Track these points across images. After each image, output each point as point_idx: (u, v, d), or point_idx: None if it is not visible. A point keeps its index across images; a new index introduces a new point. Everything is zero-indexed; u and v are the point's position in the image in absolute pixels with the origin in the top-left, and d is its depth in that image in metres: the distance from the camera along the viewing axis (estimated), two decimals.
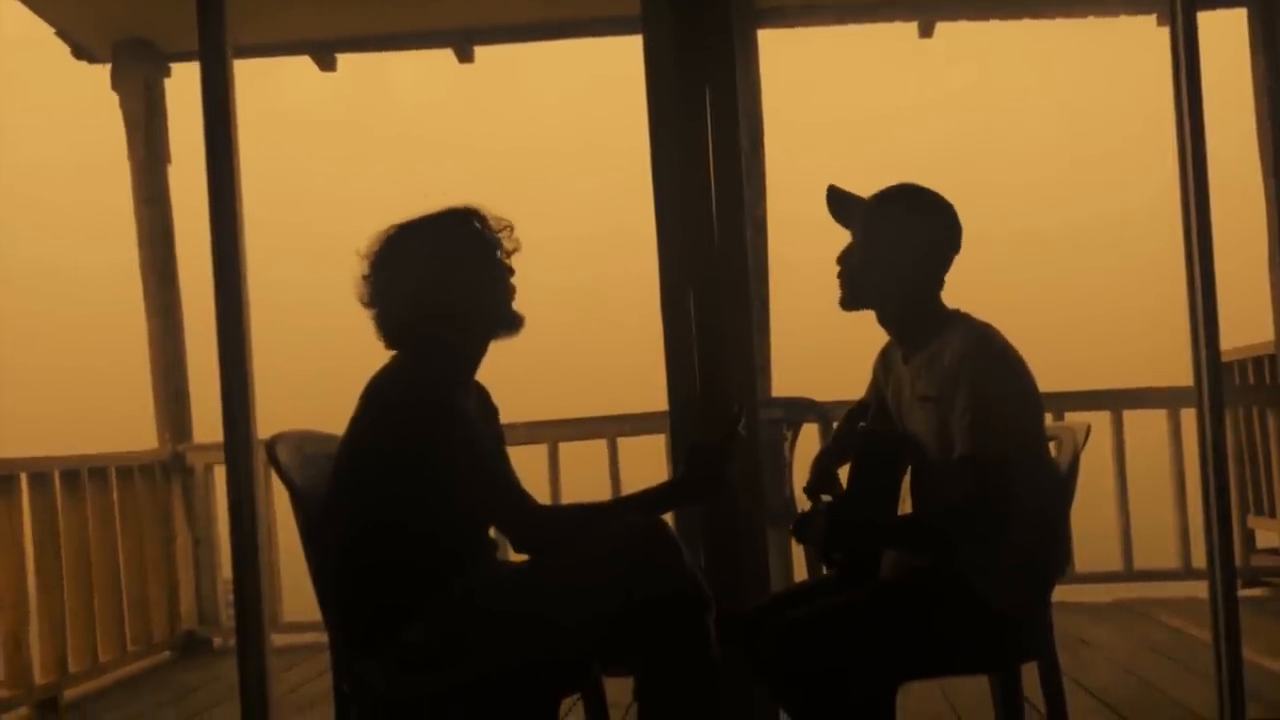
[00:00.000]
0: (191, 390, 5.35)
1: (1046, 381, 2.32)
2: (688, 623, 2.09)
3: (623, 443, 5.09)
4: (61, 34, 5.23)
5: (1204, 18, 2.56)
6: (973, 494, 2.15)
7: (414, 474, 2.12)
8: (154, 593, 4.98)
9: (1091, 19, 5.38)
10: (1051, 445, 2.41)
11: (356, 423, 2.20)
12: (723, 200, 2.62)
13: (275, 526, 4.59)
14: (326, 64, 5.49)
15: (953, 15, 5.34)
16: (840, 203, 2.40)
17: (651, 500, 2.25)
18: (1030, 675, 2.37)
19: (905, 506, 2.34)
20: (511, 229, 2.31)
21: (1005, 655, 2.32)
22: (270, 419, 2.40)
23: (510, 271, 2.31)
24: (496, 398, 2.43)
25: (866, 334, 2.43)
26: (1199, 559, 4.14)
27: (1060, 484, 2.36)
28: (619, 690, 2.38)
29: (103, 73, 5.33)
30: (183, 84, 5.35)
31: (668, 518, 2.33)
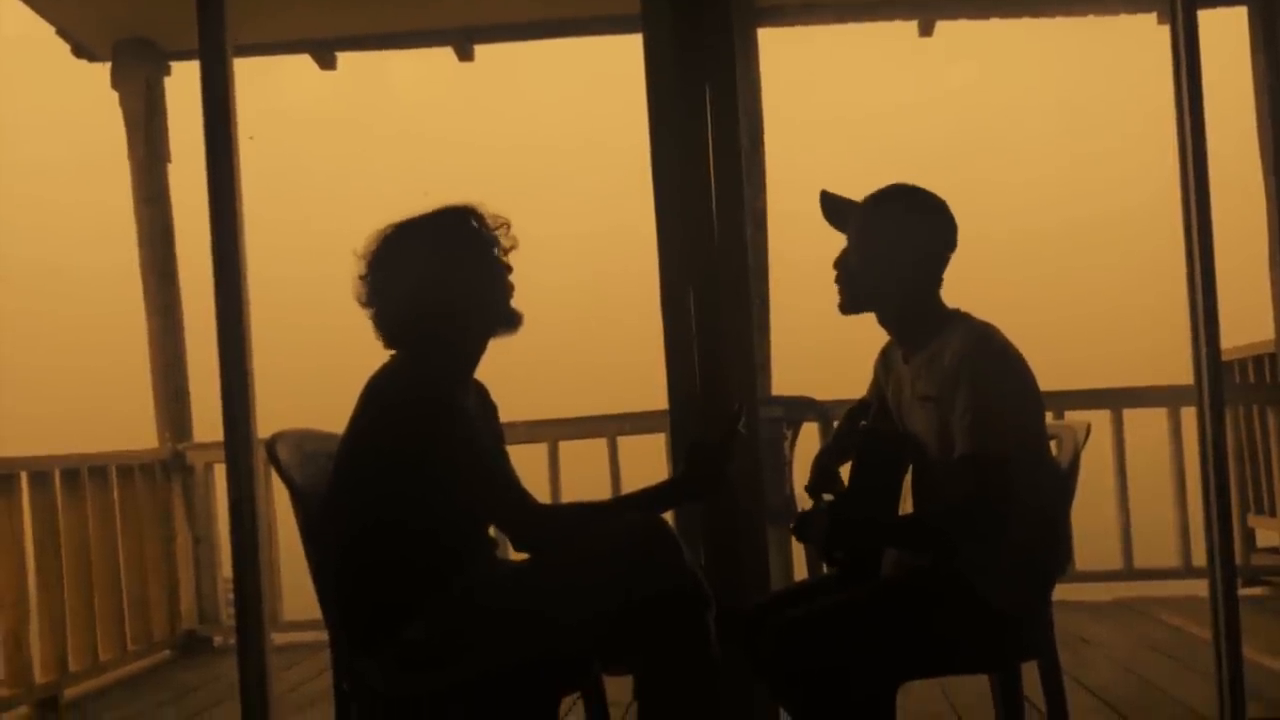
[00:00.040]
0: (192, 389, 5.35)
1: (1046, 380, 2.32)
2: (688, 621, 2.09)
3: (623, 442, 5.09)
4: (62, 33, 5.23)
5: (1204, 16, 2.56)
6: (973, 493, 2.15)
7: (414, 472, 2.12)
8: (154, 592, 4.98)
9: (1091, 17, 5.38)
10: (1052, 444, 2.41)
11: (356, 421, 2.20)
12: (723, 198, 2.62)
13: (275, 525, 4.59)
14: (327, 63, 5.49)
15: (953, 14, 5.34)
16: (834, 207, 2.40)
17: (651, 499, 2.25)
18: (1030, 674, 2.37)
19: (906, 506, 2.34)
20: (508, 226, 2.31)
21: (1005, 654, 2.32)
22: (270, 418, 2.40)
23: (508, 269, 2.31)
24: (496, 396, 2.43)
25: (867, 333, 2.43)
26: (1199, 558, 4.14)
27: (1061, 483, 2.36)
28: (619, 689, 2.39)
29: (103, 71, 5.33)
30: (183, 83, 5.35)
31: (668, 516, 2.33)
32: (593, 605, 2.09)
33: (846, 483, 2.40)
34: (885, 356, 2.49)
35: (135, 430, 5.40)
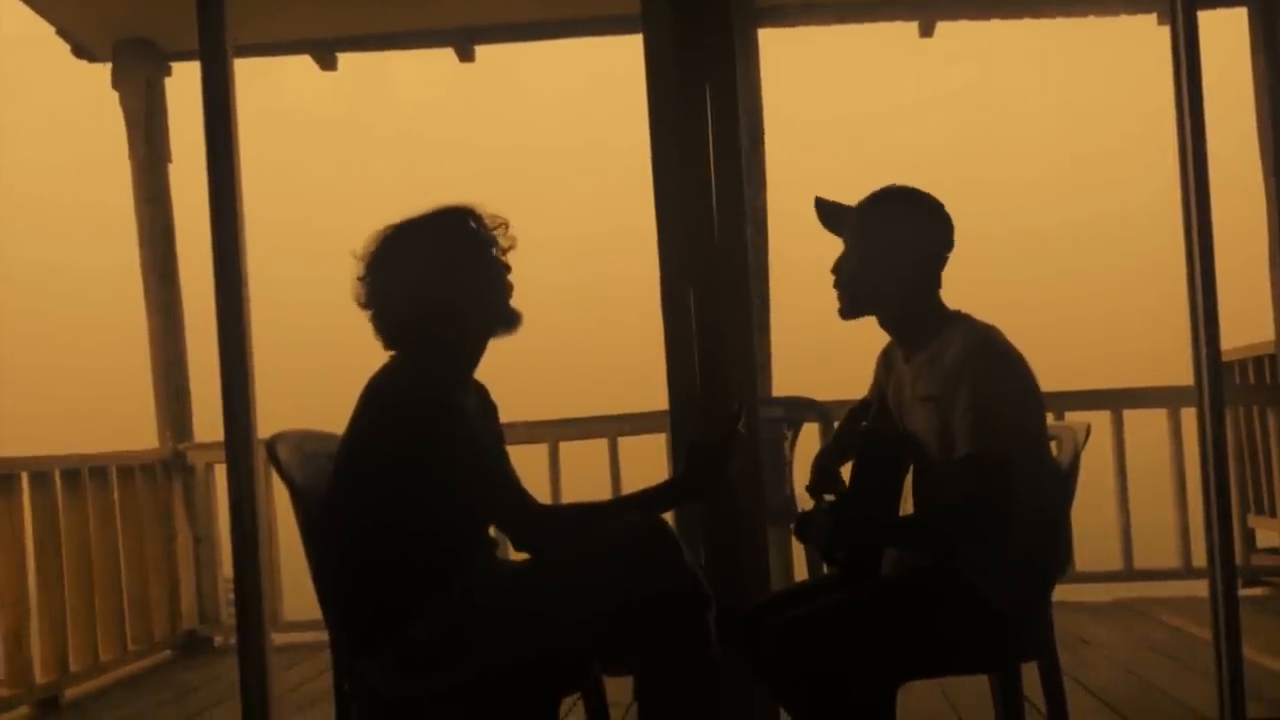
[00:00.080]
0: (192, 389, 5.35)
1: (1046, 381, 2.32)
2: (688, 621, 2.09)
3: (623, 442, 5.09)
4: (62, 33, 5.23)
5: (1204, 17, 2.56)
6: (974, 494, 2.15)
7: (414, 473, 2.12)
8: (155, 592, 4.99)
9: (1092, 18, 5.38)
10: (1052, 445, 2.41)
11: (356, 422, 2.20)
12: (723, 198, 2.62)
13: (276, 525, 4.59)
14: (327, 63, 5.49)
15: (953, 15, 5.34)
16: (829, 212, 2.40)
17: (652, 499, 2.26)
18: (1030, 674, 2.37)
19: (906, 506, 2.34)
20: (507, 226, 2.31)
21: (1006, 654, 2.32)
22: (270, 418, 2.40)
23: (507, 268, 2.30)
24: (496, 397, 2.43)
25: (867, 334, 2.43)
26: (1199, 558, 4.14)
27: (1061, 483, 2.36)
28: (619, 689, 2.39)
29: (103, 72, 5.33)
30: (183, 83, 5.36)
31: (668, 516, 2.33)
32: (593, 605, 2.09)
33: (847, 483, 2.40)
34: (886, 357, 2.49)
35: (136, 430, 5.41)
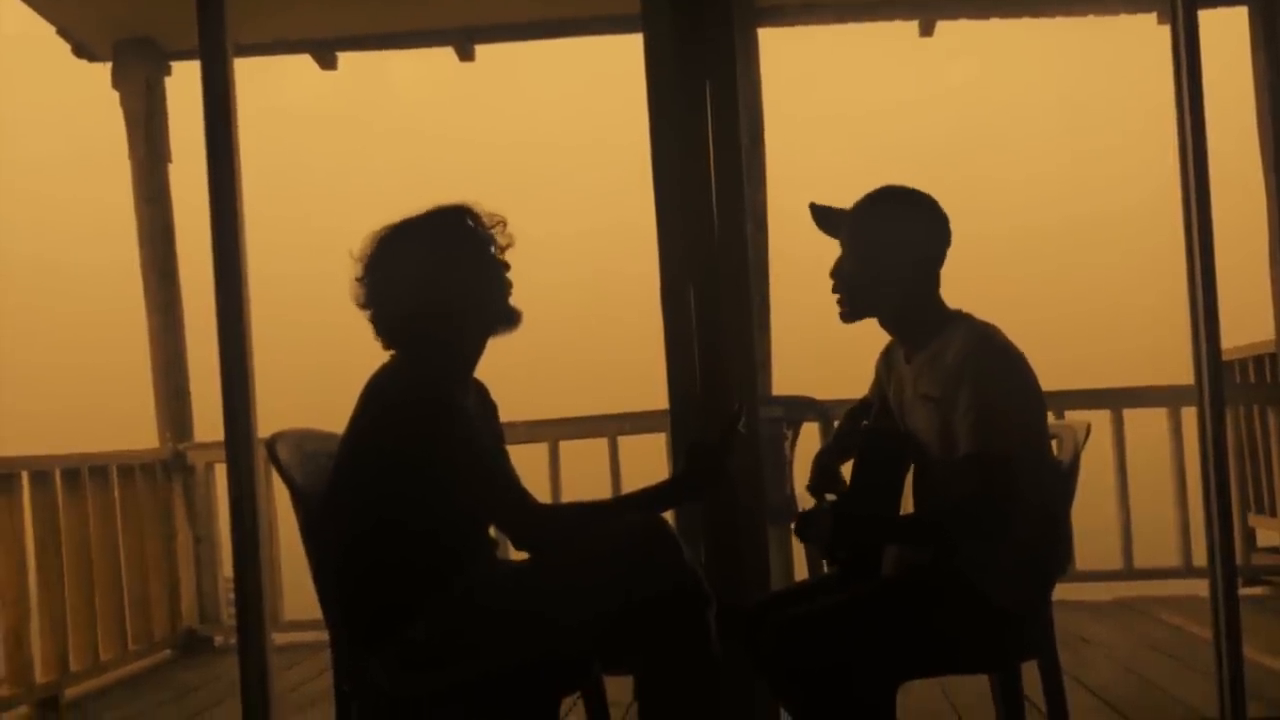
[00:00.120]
0: (192, 388, 5.35)
1: (1047, 380, 2.32)
2: (688, 620, 2.09)
3: (623, 441, 5.08)
4: (62, 32, 5.23)
5: (1204, 15, 2.56)
6: (977, 493, 2.15)
7: (414, 472, 2.12)
8: (155, 591, 4.99)
9: (1092, 17, 5.38)
10: (1052, 444, 2.41)
11: (356, 421, 2.20)
12: (723, 195, 2.62)
13: (276, 525, 4.58)
14: (327, 62, 5.49)
15: (953, 14, 5.33)
16: (824, 217, 2.40)
17: (652, 498, 2.25)
18: (1031, 673, 2.37)
19: (907, 505, 2.34)
20: (504, 224, 2.30)
21: (1006, 653, 2.32)
22: (271, 417, 2.40)
23: (505, 267, 2.30)
24: (496, 396, 2.43)
25: (867, 333, 2.43)
26: (1199, 557, 4.14)
27: (1062, 482, 2.36)
28: (620, 689, 2.39)
29: (103, 71, 5.33)
30: (183, 82, 5.35)
31: (668, 515, 2.33)
32: (593, 605, 2.09)
33: (847, 482, 2.40)
34: (887, 356, 2.49)
35: (136, 429, 5.41)
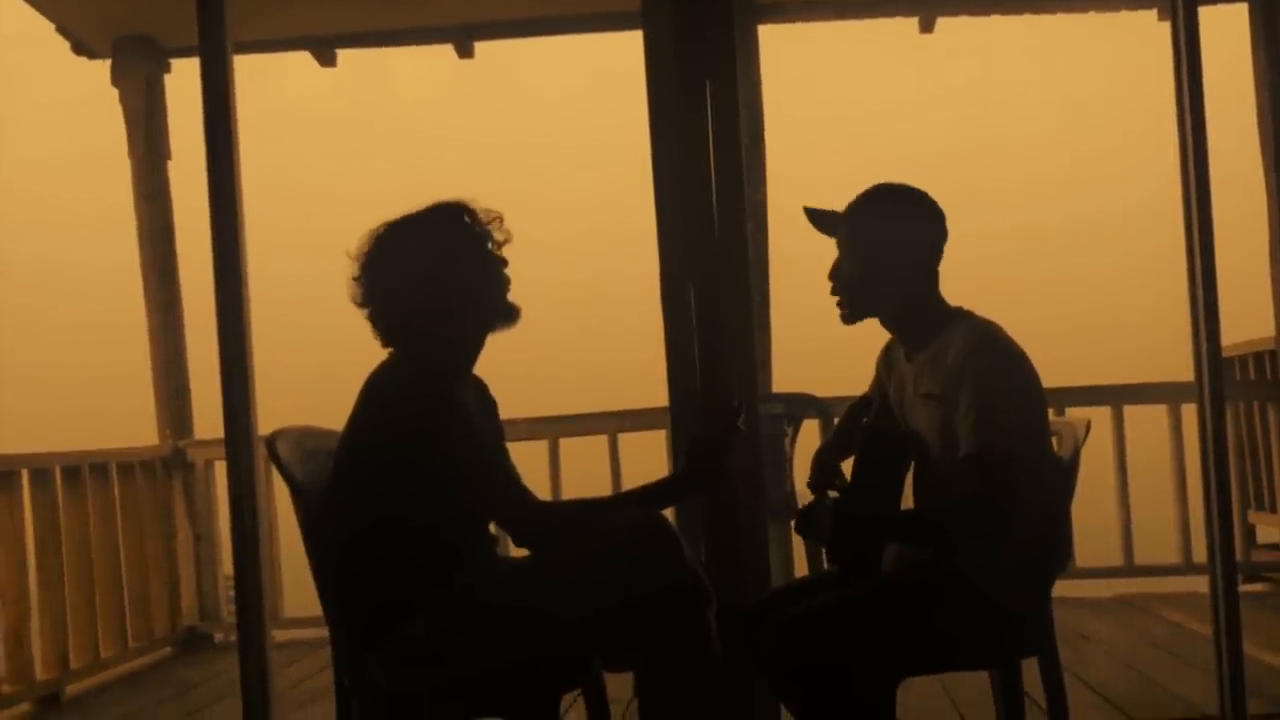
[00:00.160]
0: (192, 386, 5.35)
1: (1047, 377, 2.32)
2: (688, 618, 2.09)
3: (623, 438, 5.09)
4: (62, 30, 5.22)
5: (1205, 12, 2.56)
6: (978, 492, 2.15)
7: (414, 469, 2.12)
8: (155, 589, 4.99)
9: (1092, 14, 5.38)
10: (1052, 441, 2.41)
11: (356, 418, 2.20)
12: (723, 194, 2.62)
13: (276, 522, 4.59)
14: (327, 59, 5.48)
15: (954, 11, 5.33)
16: (820, 219, 2.40)
17: (652, 495, 2.25)
18: (1031, 670, 2.38)
19: (907, 503, 2.34)
20: (501, 220, 2.30)
21: (1006, 650, 2.32)
22: (271, 414, 2.40)
23: (503, 262, 2.30)
24: (496, 393, 2.43)
25: (867, 331, 2.43)
26: (1199, 554, 4.14)
27: (1062, 479, 2.36)
28: (620, 686, 2.39)
29: (103, 68, 5.33)
30: (183, 80, 5.36)
31: (668, 513, 2.33)
32: (593, 602, 2.09)
33: (848, 479, 2.40)
34: (887, 354, 2.49)
35: (136, 427, 5.41)
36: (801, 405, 4.44)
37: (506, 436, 2.46)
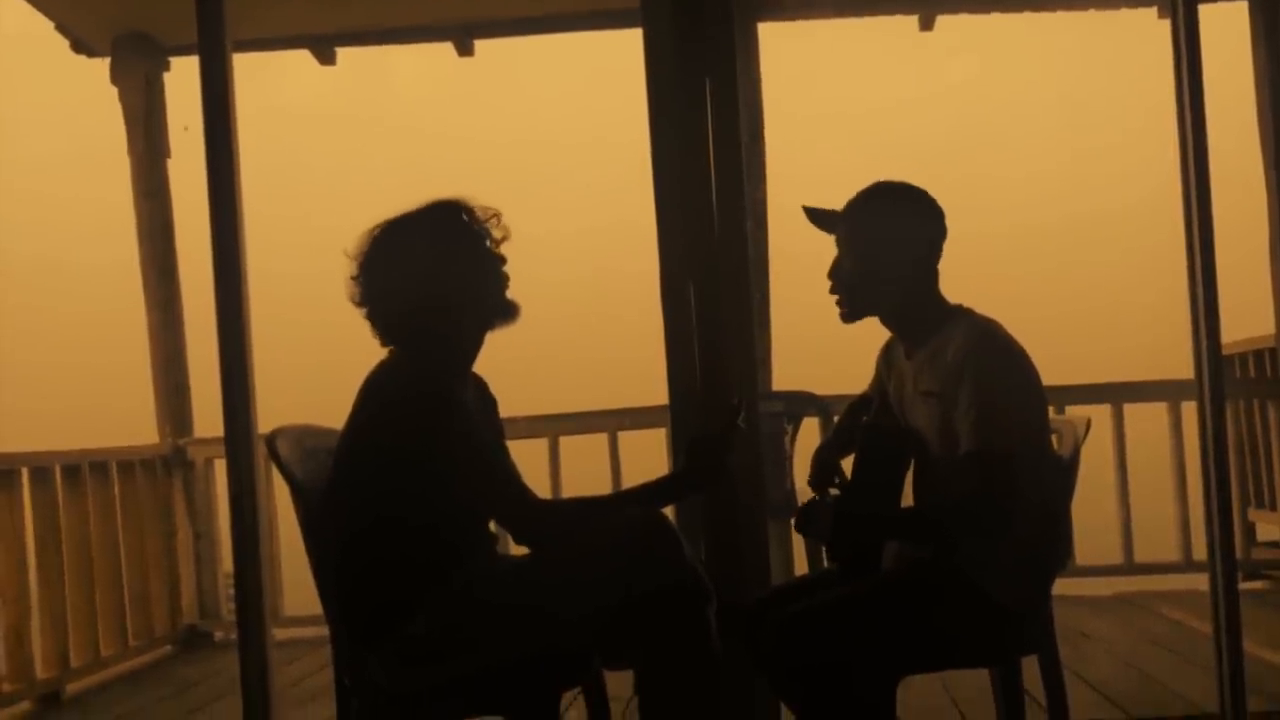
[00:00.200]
0: (192, 384, 5.35)
1: (1047, 375, 2.31)
2: (688, 616, 2.09)
3: (623, 437, 5.09)
4: (61, 28, 5.22)
5: (1205, 10, 2.55)
6: (978, 490, 2.15)
7: (413, 468, 2.12)
8: (155, 587, 4.99)
9: (1092, 12, 5.37)
10: (1052, 439, 2.41)
11: (355, 417, 2.20)
12: (723, 192, 2.62)
13: (276, 520, 4.58)
14: (326, 58, 5.48)
15: (953, 8, 5.33)
16: (820, 218, 2.40)
17: (652, 493, 2.25)
18: (1031, 668, 2.38)
19: (907, 501, 2.34)
20: (499, 217, 2.30)
21: (1006, 648, 2.32)
22: (271, 413, 2.39)
23: (502, 260, 2.30)
24: (496, 391, 2.43)
25: (867, 329, 2.43)
26: (1199, 552, 4.14)
27: (1062, 477, 2.36)
28: (620, 684, 2.39)
29: (102, 67, 5.33)
30: (182, 78, 5.35)
31: (668, 511, 2.33)
32: (593, 600, 2.09)
33: (849, 478, 2.40)
34: (887, 352, 2.49)
35: (136, 426, 5.41)
36: (801, 403, 4.44)
37: (506, 434, 2.46)
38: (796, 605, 2.26)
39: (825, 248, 2.39)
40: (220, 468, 5.01)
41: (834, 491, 2.42)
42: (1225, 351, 2.88)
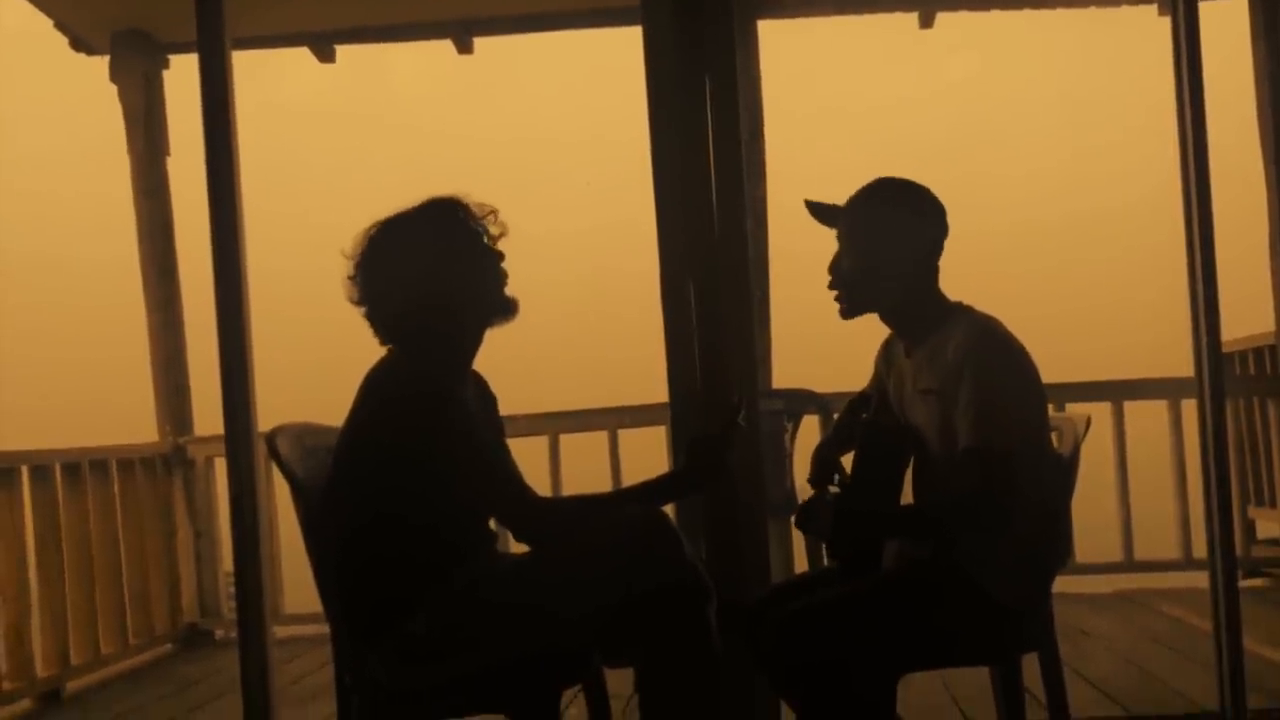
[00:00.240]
0: (192, 383, 5.35)
1: (1047, 373, 2.31)
2: (688, 614, 2.09)
3: (623, 435, 5.08)
4: (60, 26, 5.22)
5: (1205, 7, 2.56)
6: (978, 487, 2.15)
7: (414, 466, 2.12)
8: (155, 585, 4.99)
9: (1093, 8, 5.37)
10: (1052, 436, 2.41)
11: (355, 415, 2.20)
12: (723, 190, 2.62)
13: (276, 519, 4.58)
14: (325, 55, 5.48)
15: (953, 6, 5.32)
16: (821, 212, 2.40)
17: (652, 492, 2.25)
18: (1031, 666, 2.38)
19: (906, 499, 2.34)
20: (496, 214, 2.29)
21: (1006, 646, 2.32)
22: (270, 411, 2.40)
23: (500, 256, 2.30)
24: (496, 389, 2.43)
25: (867, 327, 2.43)
26: (1200, 549, 4.14)
27: (1062, 475, 2.36)
28: (620, 681, 2.39)
29: (101, 64, 5.33)
30: (182, 76, 5.36)
31: (669, 509, 2.33)
32: (593, 598, 2.09)
33: (849, 475, 2.40)
34: (887, 350, 2.49)
35: (136, 424, 5.41)
36: (801, 401, 4.44)
37: (506, 433, 2.46)
38: (797, 603, 2.26)
39: (825, 246, 2.39)
40: (220, 466, 5.00)
41: (834, 489, 2.42)
42: (1225, 349, 2.88)
